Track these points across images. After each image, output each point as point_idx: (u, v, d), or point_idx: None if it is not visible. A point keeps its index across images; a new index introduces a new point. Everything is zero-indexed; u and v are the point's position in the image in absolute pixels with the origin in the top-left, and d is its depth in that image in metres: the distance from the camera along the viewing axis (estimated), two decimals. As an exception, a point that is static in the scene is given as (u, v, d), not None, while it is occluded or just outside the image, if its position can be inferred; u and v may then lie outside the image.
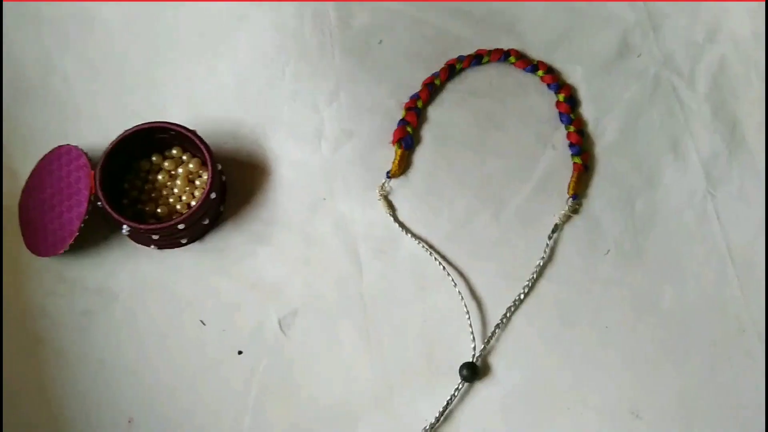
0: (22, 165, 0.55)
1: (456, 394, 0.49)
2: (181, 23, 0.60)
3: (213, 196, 0.51)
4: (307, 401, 0.50)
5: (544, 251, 0.52)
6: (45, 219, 0.51)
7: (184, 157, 0.54)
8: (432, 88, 0.57)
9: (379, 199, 0.54)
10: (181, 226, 0.50)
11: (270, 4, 0.60)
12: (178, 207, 0.53)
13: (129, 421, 0.50)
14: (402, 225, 0.54)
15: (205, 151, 0.51)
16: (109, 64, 0.58)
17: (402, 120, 0.56)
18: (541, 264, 0.52)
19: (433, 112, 0.57)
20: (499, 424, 0.49)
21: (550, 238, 0.52)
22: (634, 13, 0.59)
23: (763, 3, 0.59)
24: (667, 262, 0.53)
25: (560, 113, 0.56)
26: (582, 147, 0.55)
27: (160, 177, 0.53)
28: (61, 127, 0.56)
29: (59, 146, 0.53)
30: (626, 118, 0.56)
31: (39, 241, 0.52)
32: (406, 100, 0.57)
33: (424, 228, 0.54)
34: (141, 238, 0.52)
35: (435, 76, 0.57)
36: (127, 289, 0.52)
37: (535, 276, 0.52)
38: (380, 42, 0.59)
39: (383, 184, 0.55)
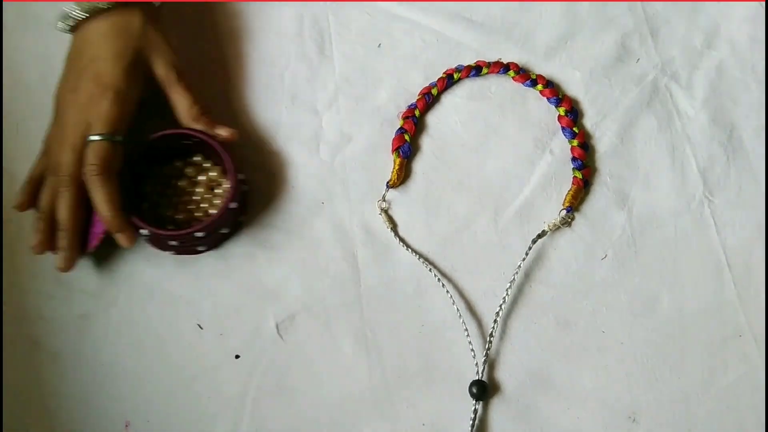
0: (20, 168, 0.55)
1: (475, 417, 0.49)
2: (179, 26, 0.60)
3: (233, 205, 0.50)
4: (305, 405, 0.50)
5: (526, 253, 0.52)
6: None
7: (206, 165, 0.54)
8: (429, 98, 0.57)
9: (380, 214, 0.54)
10: (200, 234, 0.50)
11: (270, 8, 0.60)
12: (198, 214, 0.53)
13: (126, 425, 0.50)
14: (402, 240, 0.53)
15: (226, 160, 0.51)
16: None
17: (400, 129, 0.56)
18: (521, 266, 0.52)
19: (431, 118, 0.57)
20: (494, 428, 0.50)
21: (534, 242, 0.52)
22: (633, 17, 0.59)
23: (762, 7, 0.59)
24: (664, 267, 0.53)
25: (562, 127, 0.56)
26: (585, 162, 0.55)
27: (181, 183, 0.53)
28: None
29: None
30: (624, 122, 0.56)
31: None
32: (405, 104, 0.57)
33: (423, 233, 0.54)
34: (159, 243, 0.52)
35: (432, 85, 0.57)
36: (124, 292, 0.52)
37: (515, 278, 0.52)
38: (379, 46, 0.59)
39: (383, 196, 0.54)
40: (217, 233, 0.52)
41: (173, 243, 0.51)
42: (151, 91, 0.52)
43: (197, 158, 0.54)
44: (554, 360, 0.51)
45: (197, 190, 0.53)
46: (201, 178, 0.53)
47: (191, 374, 0.51)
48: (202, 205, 0.53)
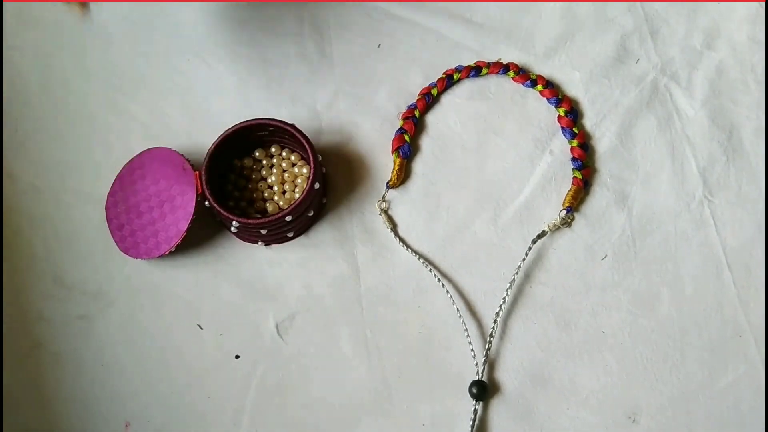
0: (20, 169, 0.55)
1: (475, 417, 0.49)
2: (180, 27, 0.60)
3: (317, 186, 0.51)
4: (305, 405, 0.50)
5: (526, 253, 0.52)
6: (143, 221, 0.52)
7: (283, 153, 0.54)
8: (429, 99, 0.57)
9: (380, 214, 0.54)
10: (288, 218, 0.50)
11: (270, 8, 0.60)
12: (282, 203, 0.53)
13: (126, 426, 0.50)
14: (402, 240, 0.54)
15: (305, 143, 0.52)
16: (108, 69, 0.59)
17: (400, 129, 0.56)
18: (520, 266, 0.52)
19: (431, 118, 0.57)
20: (494, 429, 0.49)
21: (534, 242, 0.52)
22: (632, 18, 0.59)
23: (762, 8, 0.59)
24: (664, 267, 0.53)
25: (562, 128, 0.56)
26: (584, 162, 0.55)
27: (263, 175, 0.54)
28: (60, 132, 0.56)
29: (149, 149, 0.53)
30: (624, 123, 0.56)
31: (137, 243, 0.52)
32: (405, 105, 0.57)
33: (423, 233, 0.54)
34: (248, 234, 0.52)
35: (432, 86, 0.57)
36: (124, 293, 0.53)
37: (515, 278, 0.52)
38: (378, 46, 0.59)
39: (383, 196, 0.55)
40: (304, 216, 0.52)
41: (263, 231, 0.51)
42: None
43: (273, 149, 0.54)
44: (554, 360, 0.51)
45: (279, 178, 0.54)
46: (280, 167, 0.54)
47: (191, 374, 0.51)
48: (285, 194, 0.54)
